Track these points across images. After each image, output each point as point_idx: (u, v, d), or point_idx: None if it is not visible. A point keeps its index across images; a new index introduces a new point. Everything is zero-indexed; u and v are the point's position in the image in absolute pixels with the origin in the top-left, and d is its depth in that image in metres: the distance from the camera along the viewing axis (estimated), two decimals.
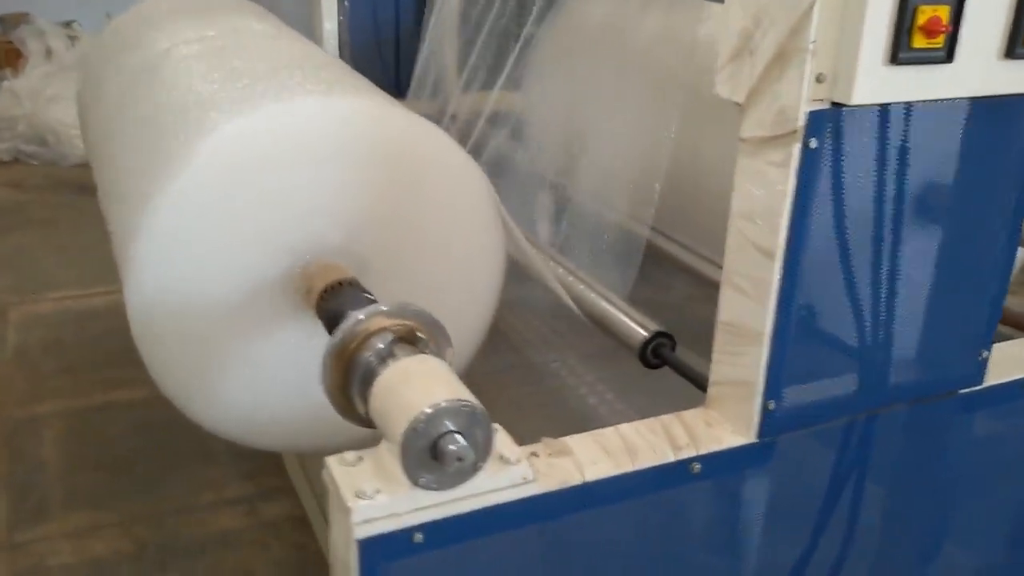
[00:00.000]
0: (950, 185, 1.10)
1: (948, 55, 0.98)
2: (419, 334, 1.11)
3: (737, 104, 1.07)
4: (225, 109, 1.29)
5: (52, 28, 6.33)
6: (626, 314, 1.50)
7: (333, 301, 1.25)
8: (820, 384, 1.17)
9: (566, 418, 2.08)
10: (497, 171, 1.97)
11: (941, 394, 1.29)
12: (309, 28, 2.91)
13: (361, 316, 1.09)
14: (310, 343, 1.36)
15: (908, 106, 1.01)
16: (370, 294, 1.26)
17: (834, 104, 0.99)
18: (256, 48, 1.68)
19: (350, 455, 1.01)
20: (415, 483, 0.95)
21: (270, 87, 1.32)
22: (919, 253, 1.13)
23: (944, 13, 0.96)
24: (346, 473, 0.99)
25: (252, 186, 1.27)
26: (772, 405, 1.13)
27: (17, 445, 2.44)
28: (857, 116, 1.00)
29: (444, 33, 3.12)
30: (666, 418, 1.18)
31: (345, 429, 1.43)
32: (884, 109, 1.00)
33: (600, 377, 2.44)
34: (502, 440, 1.02)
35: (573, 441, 1.11)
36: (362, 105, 1.35)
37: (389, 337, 1.09)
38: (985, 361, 1.29)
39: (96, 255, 3.91)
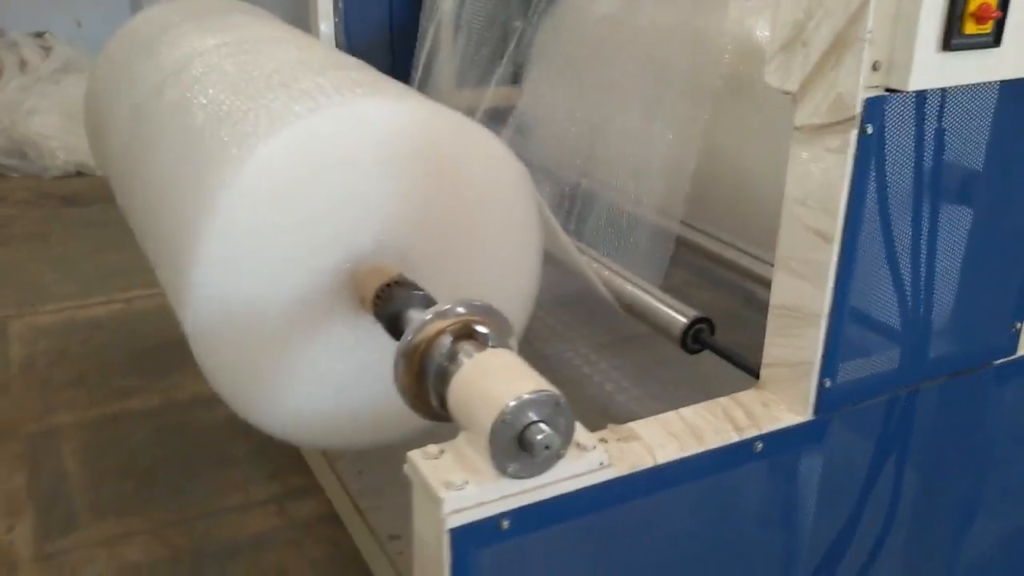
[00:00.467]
0: (994, 165, 1.15)
1: (996, 40, 1.02)
2: (483, 328, 1.14)
3: (787, 93, 1.11)
4: (275, 115, 1.30)
5: (24, 39, 6.24)
6: (663, 302, 1.54)
7: (390, 301, 1.26)
8: (870, 361, 1.21)
9: (587, 406, 2.11)
10: None
11: (978, 366, 1.34)
12: (303, 30, 2.91)
13: (428, 316, 1.11)
14: (360, 342, 1.38)
15: (958, 90, 1.05)
16: (425, 291, 1.28)
17: (888, 90, 1.03)
18: (282, 53, 1.68)
19: (432, 448, 1.03)
20: (503, 472, 0.98)
21: (315, 91, 1.34)
22: (962, 230, 1.17)
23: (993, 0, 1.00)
24: (431, 466, 1.01)
25: (306, 191, 1.28)
26: (828, 383, 1.17)
27: (36, 457, 2.42)
28: (911, 101, 1.04)
29: (441, 30, 3.14)
30: (723, 400, 1.22)
31: (394, 425, 1.46)
32: (936, 94, 1.05)
33: (615, 366, 2.49)
34: (577, 428, 1.05)
35: (638, 426, 1.15)
36: (408, 106, 1.37)
37: (459, 333, 1.11)
38: (1018, 333, 1.34)
39: (90, 266, 3.89)
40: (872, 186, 1.07)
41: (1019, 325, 1.33)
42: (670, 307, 1.52)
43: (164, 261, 1.41)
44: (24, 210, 4.66)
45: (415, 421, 1.43)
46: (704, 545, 1.19)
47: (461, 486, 0.97)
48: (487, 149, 1.42)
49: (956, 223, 1.15)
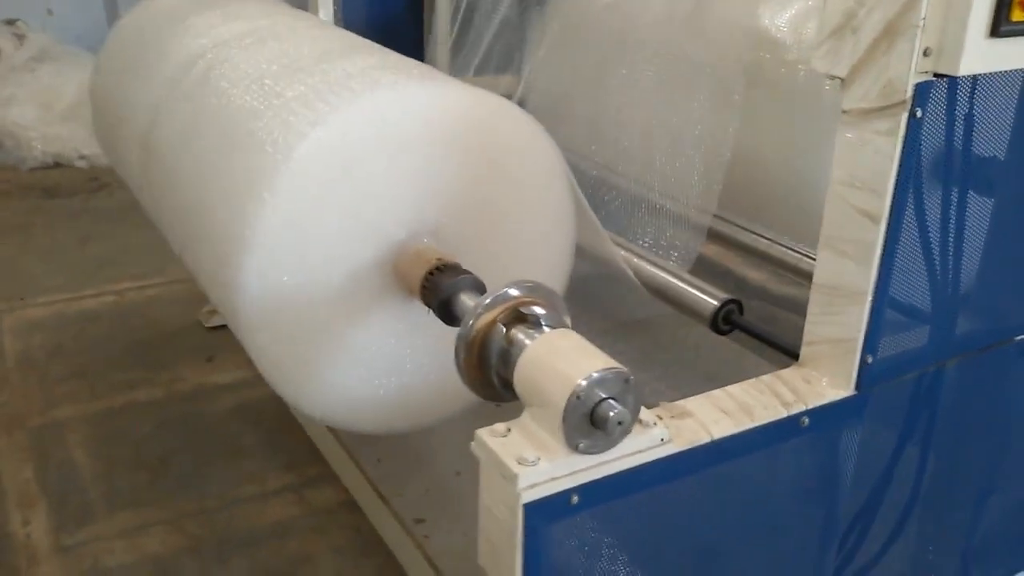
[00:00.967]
0: None
1: None
2: (539, 308, 1.16)
3: (835, 78, 1.14)
4: (322, 101, 1.31)
5: None
6: (692, 284, 1.57)
7: (439, 286, 1.28)
8: (907, 337, 1.26)
9: None
10: None
11: (1004, 340, 1.39)
12: None
13: (487, 300, 1.13)
14: (407, 326, 1.39)
15: (1005, 75, 1.09)
16: (472, 274, 1.30)
17: (936, 75, 1.07)
18: (310, 38, 1.69)
19: (499, 427, 1.05)
20: (574, 448, 1.01)
21: (361, 76, 1.35)
22: (1001, 211, 1.22)
23: None
24: (500, 443, 1.03)
25: (352, 176, 1.29)
26: (870, 359, 1.21)
27: (44, 451, 2.40)
28: (959, 86, 1.08)
29: (437, 19, 3.14)
30: (766, 378, 1.25)
31: (440, 406, 1.49)
32: (983, 79, 1.09)
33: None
34: None
35: (690, 403, 1.18)
36: (450, 89, 1.38)
37: (518, 315, 1.14)
38: None
39: (77, 257, 3.84)
40: (919, 168, 1.11)
41: None
42: (699, 289, 1.55)
43: (205, 247, 1.41)
44: (4, 202, 4.59)
45: (460, 402, 1.47)
46: (752, 516, 1.22)
47: (534, 462, 1.00)
48: (525, 131, 1.44)
49: (995, 203, 1.20)
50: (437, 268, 1.31)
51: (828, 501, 1.29)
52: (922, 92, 1.06)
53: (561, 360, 1.03)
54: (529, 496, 1.00)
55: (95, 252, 3.84)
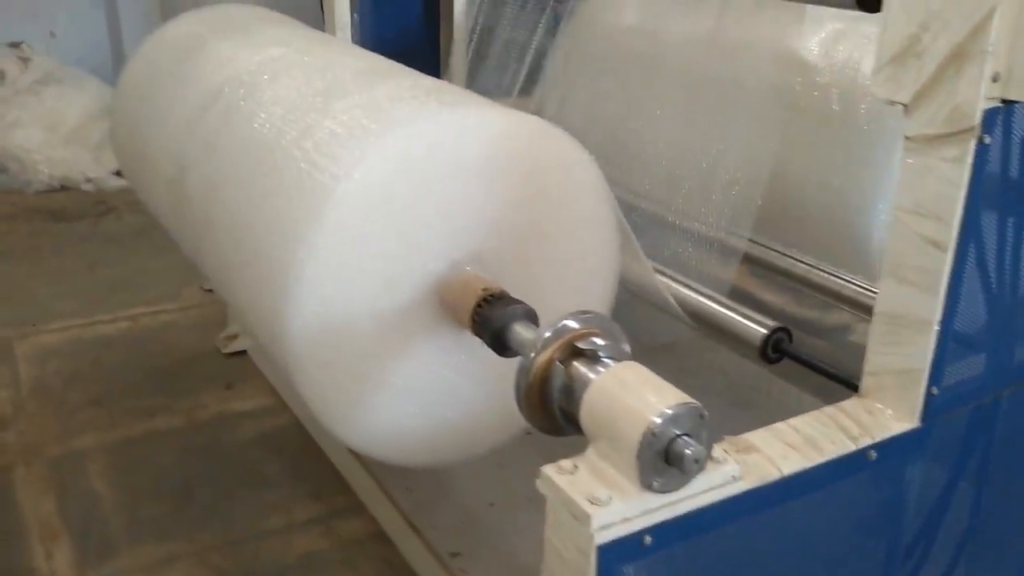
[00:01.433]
0: None
1: None
2: (599, 339, 1.14)
3: (896, 104, 1.13)
4: (367, 131, 1.29)
5: (1, 50, 6.11)
6: (738, 312, 1.55)
7: (491, 316, 1.26)
8: (970, 366, 1.23)
9: None
10: None
11: None
12: None
13: (548, 333, 1.11)
14: (457, 356, 1.37)
15: None
16: (524, 303, 1.28)
17: (1004, 101, 1.05)
18: (341, 62, 1.67)
19: (566, 463, 1.03)
20: (648, 487, 0.98)
21: (411, 99, 1.33)
22: None
23: None
24: (569, 481, 1.00)
25: (406, 203, 1.27)
26: (935, 390, 1.18)
27: (64, 482, 2.36)
28: None
29: (454, 44, 3.14)
30: (828, 410, 1.23)
31: (487, 438, 1.46)
32: None
33: None
34: None
35: (754, 437, 1.15)
36: (496, 113, 1.36)
37: (577, 348, 1.11)
38: None
39: (87, 282, 3.81)
40: (987, 196, 1.09)
41: None
42: (746, 317, 1.53)
43: (248, 275, 1.38)
44: (12, 225, 4.56)
45: (507, 433, 1.44)
46: (816, 552, 1.20)
47: (607, 501, 0.97)
48: (569, 155, 1.42)
49: None
50: (486, 300, 1.29)
51: (890, 535, 1.26)
52: (990, 118, 1.04)
53: (631, 395, 1.01)
54: (603, 537, 0.97)
55: (106, 276, 3.81)
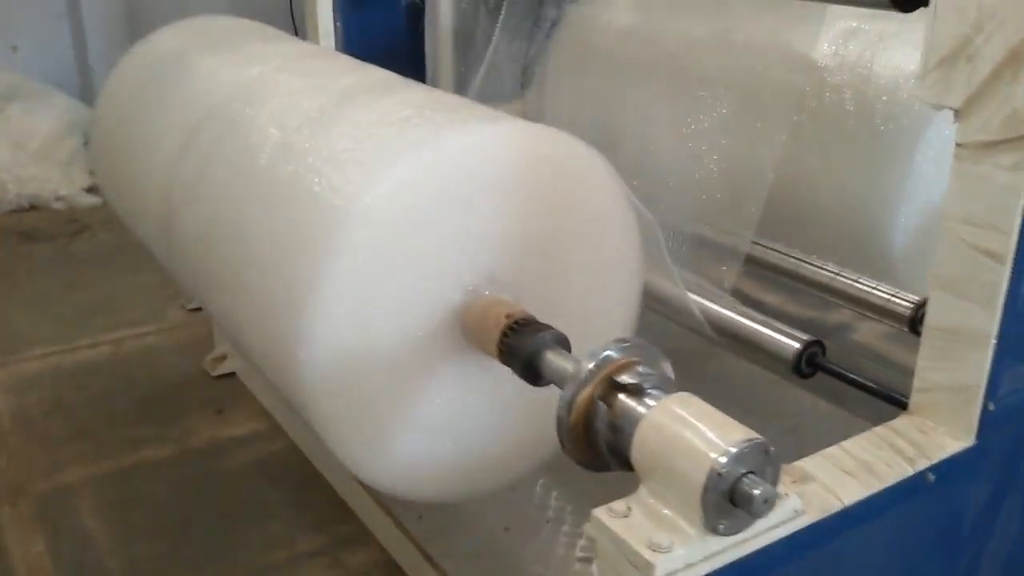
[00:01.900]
0: None
1: None
2: (643, 368, 1.07)
3: (946, 109, 1.07)
4: (385, 146, 1.21)
5: None
6: (770, 327, 1.49)
7: (520, 343, 1.18)
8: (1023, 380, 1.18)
9: None
10: None
11: None
12: None
13: (591, 364, 1.04)
14: (475, 384, 1.30)
15: None
16: (554, 329, 1.21)
17: None
18: (335, 77, 1.59)
19: (618, 506, 0.96)
20: (713, 530, 0.91)
21: (426, 113, 1.26)
22: None
23: None
24: (625, 526, 0.93)
25: (420, 225, 1.20)
26: (991, 406, 1.13)
27: (53, 520, 2.25)
28: None
29: (440, 49, 3.07)
30: (879, 430, 1.17)
31: (512, 470, 1.39)
32: None
33: None
34: None
35: (808, 464, 1.09)
36: (517, 128, 1.29)
37: (622, 380, 1.04)
38: None
39: (65, 306, 3.67)
40: None
41: None
42: (777, 330, 1.47)
43: (256, 306, 1.30)
44: None
45: (532, 463, 1.37)
46: None
47: (668, 548, 0.90)
48: (594, 170, 1.35)
49: None
50: (512, 327, 1.21)
51: (949, 558, 1.21)
52: None
53: (689, 431, 0.94)
54: None
55: (84, 299, 3.68)
